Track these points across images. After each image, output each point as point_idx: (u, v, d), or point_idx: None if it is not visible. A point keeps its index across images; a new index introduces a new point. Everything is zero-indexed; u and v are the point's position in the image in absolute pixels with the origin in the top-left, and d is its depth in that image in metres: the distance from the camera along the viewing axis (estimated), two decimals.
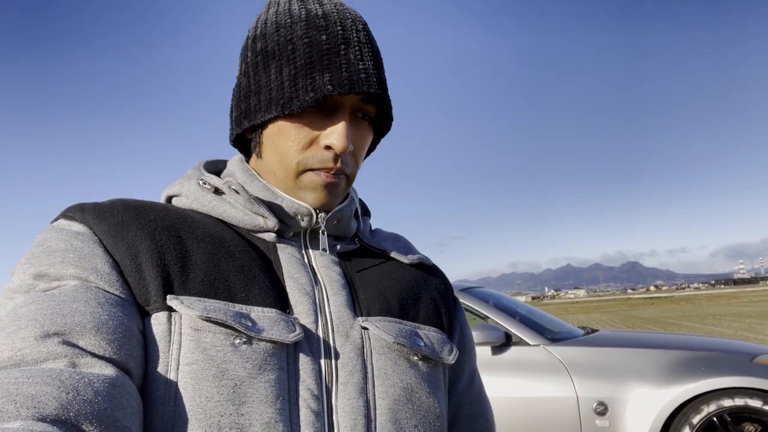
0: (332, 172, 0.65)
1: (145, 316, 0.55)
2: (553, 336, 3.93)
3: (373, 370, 0.61)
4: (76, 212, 0.61)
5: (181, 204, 0.69)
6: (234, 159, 0.74)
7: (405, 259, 0.76)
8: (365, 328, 0.63)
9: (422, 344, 0.66)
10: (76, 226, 0.59)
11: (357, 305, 0.66)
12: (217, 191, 0.68)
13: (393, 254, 0.76)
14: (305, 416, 0.55)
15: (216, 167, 0.76)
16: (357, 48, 0.65)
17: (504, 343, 3.71)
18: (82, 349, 0.48)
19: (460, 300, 4.11)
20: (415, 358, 0.65)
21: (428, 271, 0.78)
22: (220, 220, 0.67)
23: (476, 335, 3.70)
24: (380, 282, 0.71)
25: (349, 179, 0.69)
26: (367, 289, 0.68)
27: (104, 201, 0.63)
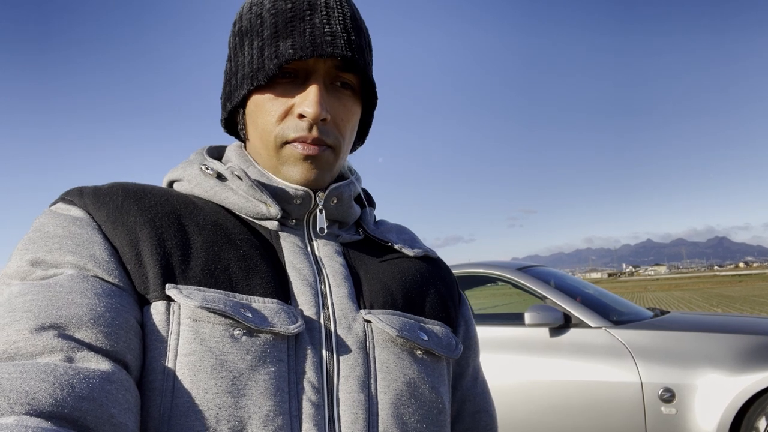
0: (309, 142, 0.63)
1: (144, 305, 0.54)
2: (618, 318, 3.77)
3: (375, 363, 0.60)
4: (75, 196, 0.60)
5: (183, 189, 0.67)
6: (232, 144, 0.73)
7: (410, 252, 0.74)
8: (368, 321, 0.62)
9: (426, 338, 0.65)
10: (75, 211, 0.58)
11: (360, 297, 0.65)
12: (220, 177, 0.66)
13: (398, 246, 0.74)
14: (306, 409, 0.54)
15: (219, 153, 0.75)
16: (324, 12, 0.63)
17: (563, 324, 3.60)
18: (78, 342, 0.47)
19: (517, 279, 4.01)
20: (419, 352, 0.64)
21: (433, 264, 0.77)
22: (222, 207, 0.65)
23: (532, 316, 3.61)
24: (384, 274, 0.69)
25: (335, 151, 0.65)
26: (371, 281, 0.67)
27: (104, 185, 0.62)
